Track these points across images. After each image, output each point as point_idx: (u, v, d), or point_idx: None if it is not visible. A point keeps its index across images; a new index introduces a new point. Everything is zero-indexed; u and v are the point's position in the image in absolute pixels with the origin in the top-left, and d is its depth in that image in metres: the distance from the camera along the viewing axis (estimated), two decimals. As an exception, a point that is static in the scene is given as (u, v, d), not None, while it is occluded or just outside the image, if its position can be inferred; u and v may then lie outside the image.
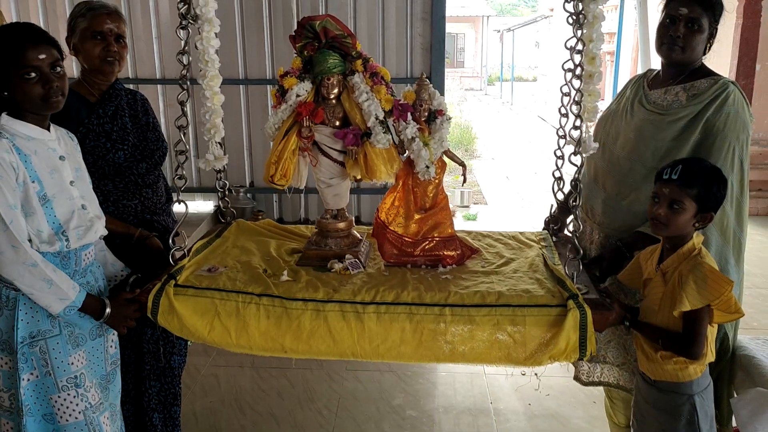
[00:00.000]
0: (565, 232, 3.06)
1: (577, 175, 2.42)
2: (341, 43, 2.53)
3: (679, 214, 2.20)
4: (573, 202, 2.42)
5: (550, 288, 2.35)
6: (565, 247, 2.75)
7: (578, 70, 2.42)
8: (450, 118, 2.59)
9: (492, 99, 28.21)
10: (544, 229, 3.07)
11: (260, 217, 3.15)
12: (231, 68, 6.31)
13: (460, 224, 7.23)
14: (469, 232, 2.97)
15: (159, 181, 2.86)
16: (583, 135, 2.42)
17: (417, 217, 2.59)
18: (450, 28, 22.99)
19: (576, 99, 2.42)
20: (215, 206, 3.03)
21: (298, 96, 2.55)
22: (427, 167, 2.51)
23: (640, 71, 10.67)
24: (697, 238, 2.26)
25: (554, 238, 2.89)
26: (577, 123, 2.42)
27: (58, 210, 2.09)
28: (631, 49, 11.66)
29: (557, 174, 2.80)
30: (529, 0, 52.13)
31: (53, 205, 2.07)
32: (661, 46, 2.69)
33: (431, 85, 2.60)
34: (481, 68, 33.45)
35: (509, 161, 13.42)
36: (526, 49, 35.01)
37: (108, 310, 2.21)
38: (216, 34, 2.56)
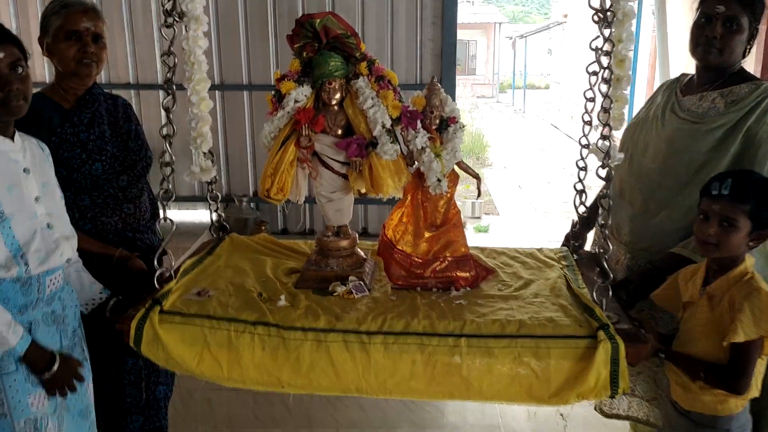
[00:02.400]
0: (587, 248, 2.82)
1: (605, 191, 2.17)
2: (344, 44, 2.30)
3: (732, 233, 1.96)
4: (601, 220, 2.16)
5: (577, 316, 2.10)
6: (588, 267, 2.51)
7: (605, 74, 2.17)
8: (463, 126, 2.35)
9: (504, 107, 27.93)
10: (563, 245, 2.82)
11: (264, 228, 2.92)
12: (235, 73, 6.14)
13: (471, 237, 6.98)
14: (482, 249, 2.72)
15: (142, 195, 2.62)
16: (607, 144, 2.18)
17: (427, 235, 2.36)
18: (461, 35, 22.82)
19: (604, 105, 2.17)
20: (212, 219, 2.79)
21: (296, 102, 2.32)
22: (439, 180, 2.27)
23: (658, 78, 10.47)
24: (749, 260, 2.01)
25: (575, 257, 2.64)
26: (605, 131, 2.17)
27: (18, 230, 1.84)
28: (649, 54, 11.38)
29: (579, 186, 2.56)
30: (542, 7, 51.97)
31: (11, 224, 1.82)
32: (696, 48, 2.45)
33: (443, 89, 2.36)
34: (492, 75, 33.21)
35: (522, 170, 13.15)
36: (539, 56, 34.78)
37: (55, 367, 1.91)
38: (204, 33, 2.33)
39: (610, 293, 2.14)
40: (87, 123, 2.42)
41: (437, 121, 2.33)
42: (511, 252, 2.71)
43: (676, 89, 2.59)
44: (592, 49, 2.29)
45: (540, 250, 2.71)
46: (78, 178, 2.36)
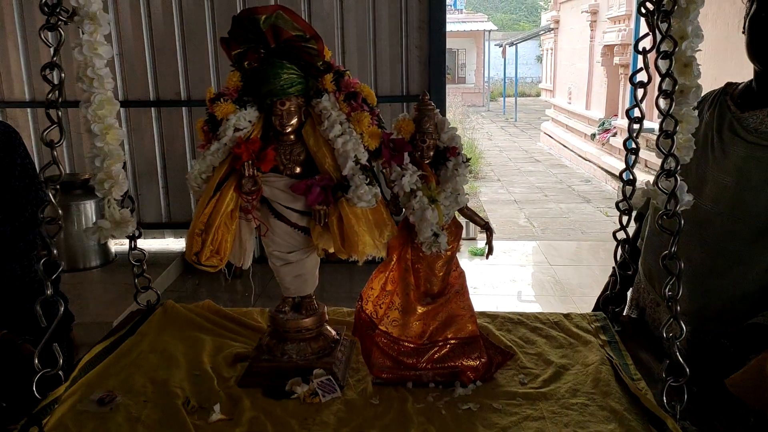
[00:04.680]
0: (625, 310, 2.19)
1: (673, 249, 1.52)
2: (300, 49, 1.66)
3: None
4: (668, 291, 1.52)
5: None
6: (637, 344, 1.88)
7: (665, 84, 1.54)
8: (468, 160, 1.71)
9: (495, 115, 27.38)
10: (596, 308, 2.19)
11: (238, 273, 2.25)
12: (172, 88, 5.56)
13: (467, 268, 6.34)
14: (492, 317, 2.08)
15: (32, 251, 1.97)
16: (671, 183, 1.54)
17: (420, 310, 1.71)
18: (450, 43, 22.31)
19: (665, 128, 1.53)
20: (136, 284, 2.12)
21: (237, 130, 1.69)
22: (435, 235, 1.63)
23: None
24: None
25: (615, 326, 2.00)
26: (668, 164, 1.53)
27: None
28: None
29: (621, 235, 1.93)
30: (530, 14, 51.70)
31: None
32: (759, 50, 1.82)
33: (437, 110, 1.72)
34: (482, 84, 32.70)
35: (517, 183, 12.55)
36: (529, 64, 34.36)
37: None
38: (105, 36, 1.68)
39: (686, 396, 1.49)
40: None
41: (431, 153, 1.69)
42: (530, 319, 2.06)
43: (727, 104, 1.95)
44: (639, 52, 1.66)
45: (568, 316, 2.07)
46: None
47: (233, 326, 2.04)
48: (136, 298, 2.11)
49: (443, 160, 1.69)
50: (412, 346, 1.71)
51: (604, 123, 13.77)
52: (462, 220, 1.76)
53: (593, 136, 13.98)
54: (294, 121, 1.69)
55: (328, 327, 1.84)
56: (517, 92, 27.66)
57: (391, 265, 1.73)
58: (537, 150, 17.43)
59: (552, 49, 22.49)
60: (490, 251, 1.77)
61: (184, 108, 5.66)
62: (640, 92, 1.70)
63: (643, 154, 10.59)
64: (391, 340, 1.71)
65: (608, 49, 13.91)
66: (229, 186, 1.67)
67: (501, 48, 29.85)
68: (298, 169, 1.71)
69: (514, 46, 27.65)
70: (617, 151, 12.09)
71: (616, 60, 13.12)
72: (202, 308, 2.13)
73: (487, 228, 1.77)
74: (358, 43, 5.34)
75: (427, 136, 1.68)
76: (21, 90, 5.55)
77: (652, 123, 9.83)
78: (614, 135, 12.88)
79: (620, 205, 1.90)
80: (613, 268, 2.09)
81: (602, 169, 12.42)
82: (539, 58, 33.72)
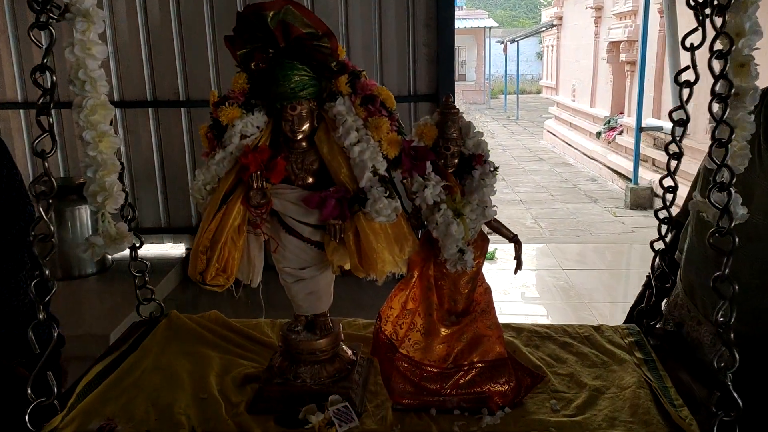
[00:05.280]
0: (659, 323, 2.05)
1: (725, 271, 1.38)
2: (312, 48, 1.53)
3: None
4: (720, 317, 1.38)
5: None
6: (675, 360, 1.74)
7: (718, 86, 1.40)
8: (496, 168, 1.57)
9: (496, 112, 27.23)
10: (628, 320, 2.06)
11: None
12: (170, 88, 5.41)
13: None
14: (518, 330, 1.94)
15: (20, 271, 1.83)
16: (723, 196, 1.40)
17: (444, 331, 1.58)
18: (452, 40, 22.10)
19: (718, 136, 1.39)
20: (138, 296, 1.99)
21: (243, 137, 1.55)
22: (461, 252, 1.50)
23: (668, 82, 9.73)
24: None
25: (651, 340, 1.86)
26: (721, 176, 1.39)
27: None
28: (655, 58, 10.65)
29: (659, 245, 1.79)
30: (530, 11, 51.54)
31: None
32: None
33: (462, 113, 1.59)
34: (483, 81, 32.55)
35: (522, 182, 12.41)
36: (529, 61, 34.20)
37: None
38: (100, 35, 1.54)
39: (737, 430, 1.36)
40: None
41: (456, 161, 1.56)
42: (557, 333, 1.93)
43: None
44: (687, 49, 1.52)
45: (599, 329, 1.93)
46: None
47: (242, 341, 1.91)
48: (138, 310, 1.98)
49: (469, 168, 1.56)
50: (435, 370, 1.58)
51: (609, 121, 13.62)
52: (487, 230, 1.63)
53: (599, 134, 13.83)
54: (306, 126, 1.56)
55: (344, 347, 1.71)
56: (519, 89, 27.48)
57: (412, 282, 1.59)
58: (540, 148, 17.29)
59: (553, 46, 22.34)
60: (519, 266, 1.63)
61: (182, 109, 5.48)
62: (685, 92, 1.56)
63: (650, 152, 10.46)
64: (413, 365, 1.58)
65: (614, 46, 13.76)
66: (235, 199, 1.54)
67: (503, 45, 29.71)
68: (310, 180, 1.58)
69: (516, 43, 27.49)
70: (623, 150, 11.95)
71: (623, 57, 12.96)
72: (209, 320, 2.00)
73: (515, 241, 1.64)
74: (363, 40, 5.18)
75: (451, 143, 1.55)
76: (13, 90, 5.39)
77: (660, 121, 9.68)
78: (620, 133, 12.73)
79: (659, 213, 1.77)
80: (648, 277, 1.96)
81: (608, 167, 12.28)
82: (539, 55, 33.58)
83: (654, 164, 10.48)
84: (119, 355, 1.82)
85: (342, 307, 1.85)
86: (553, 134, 17.63)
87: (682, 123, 1.65)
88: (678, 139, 1.67)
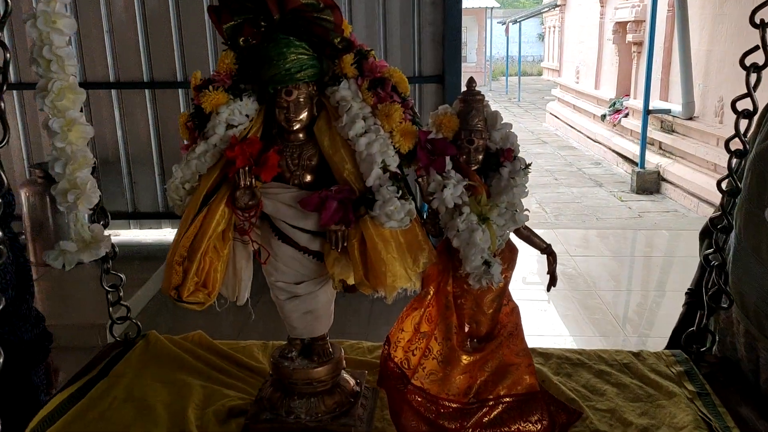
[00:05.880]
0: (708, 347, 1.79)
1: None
2: (312, 21, 1.28)
3: None
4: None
5: None
6: (731, 394, 1.50)
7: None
8: (528, 165, 1.33)
9: (497, 95, 26.90)
10: (671, 344, 1.81)
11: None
12: (168, 68, 5.18)
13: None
14: (546, 358, 1.69)
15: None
16: None
17: (465, 359, 1.34)
18: (453, 20, 21.75)
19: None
20: (111, 314, 1.74)
21: (230, 127, 1.30)
22: (487, 264, 1.25)
23: (677, 63, 9.45)
24: None
25: (702, 369, 1.61)
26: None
27: None
28: (663, 38, 10.34)
29: (713, 259, 1.54)
30: (532, -9, 51.01)
31: None
32: None
33: (488, 101, 1.34)
34: (484, 63, 32.17)
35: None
36: (530, 42, 33.82)
37: None
38: (68, 6, 1.29)
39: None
40: None
41: (480, 157, 1.31)
42: (593, 360, 1.67)
43: None
44: (756, 25, 1.27)
45: (639, 356, 1.68)
46: None
47: (228, 366, 1.65)
48: (110, 330, 1.73)
49: (496, 165, 1.31)
50: (454, 406, 1.34)
51: (615, 103, 13.31)
52: (516, 240, 1.39)
53: (603, 116, 13.52)
54: (303, 115, 1.31)
55: (346, 375, 1.47)
56: (520, 71, 27.11)
57: (428, 300, 1.35)
58: (543, 131, 16.99)
59: (555, 27, 21.96)
60: (553, 282, 1.39)
61: (180, 90, 5.26)
62: (753, 78, 1.31)
63: (656, 135, 10.20)
64: (428, 399, 1.34)
65: (620, 26, 13.41)
66: (219, 200, 1.29)
67: (504, 26, 29.27)
68: (308, 178, 1.33)
69: (518, 24, 27.08)
70: (629, 133, 11.67)
71: (629, 38, 12.63)
72: (192, 342, 1.75)
73: (548, 252, 1.39)
74: (366, 19, 4.94)
75: (476, 135, 1.30)
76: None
77: (668, 104, 9.41)
78: (626, 116, 12.44)
79: (716, 220, 1.51)
80: (689, 294, 1.71)
81: (613, 151, 12.00)
82: (541, 36, 33.17)
83: (661, 147, 10.22)
84: (86, 382, 1.58)
85: (344, 326, 1.60)
86: (555, 117, 17.32)
87: (748, 114, 1.39)
88: (743, 133, 1.41)
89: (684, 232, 7.37)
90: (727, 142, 1.45)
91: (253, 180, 1.27)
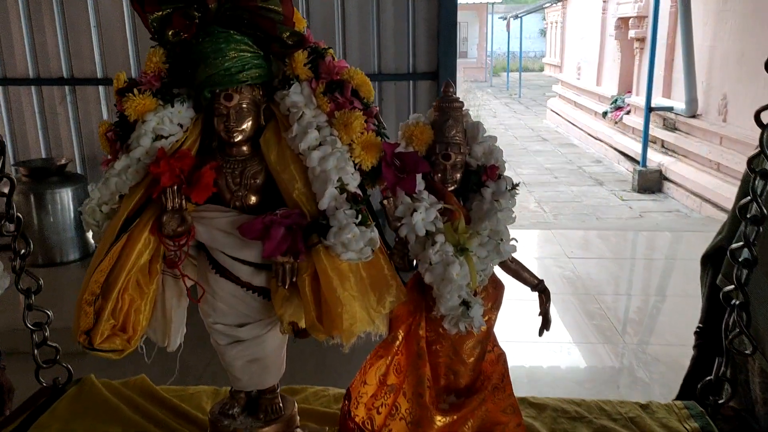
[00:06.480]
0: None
1: None
2: (256, 12, 1.05)
3: None
4: None
5: None
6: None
7: None
8: (516, 186, 1.10)
9: (498, 91, 26.65)
10: (682, 393, 1.57)
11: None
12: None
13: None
14: (540, 410, 1.45)
15: None
16: None
17: (440, 420, 1.12)
18: (453, 15, 21.63)
19: None
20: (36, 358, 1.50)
21: (158, 138, 1.08)
22: (465, 305, 1.03)
23: (680, 60, 9.22)
24: None
25: (719, 424, 1.39)
26: None
27: None
28: (666, 34, 10.11)
29: (734, 298, 1.31)
30: (534, -14, 50.78)
31: None
32: None
33: (466, 108, 1.12)
34: (485, 59, 31.91)
35: (524, 163, 11.92)
36: (531, 38, 33.57)
37: None
38: None
39: None
40: None
41: (458, 175, 1.09)
42: (593, 414, 1.44)
43: None
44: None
45: (647, 408, 1.45)
46: None
47: (167, 418, 1.42)
48: (37, 376, 1.49)
49: (477, 186, 1.09)
50: (427, 474, 1.12)
51: (616, 100, 13.08)
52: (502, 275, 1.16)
53: (605, 114, 13.30)
54: (247, 124, 1.09)
55: (300, 432, 1.24)
56: (521, 66, 26.87)
57: (396, 347, 1.13)
58: (544, 128, 16.75)
59: (557, 23, 21.72)
60: (546, 324, 1.17)
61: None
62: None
63: (659, 133, 9.97)
64: (395, 466, 1.12)
65: (623, 22, 13.19)
66: (142, 225, 1.07)
67: (506, 21, 29.00)
68: (253, 199, 1.11)
69: (519, 19, 26.83)
70: (631, 130, 11.44)
71: (632, 33, 12.41)
72: (133, 387, 1.51)
73: (540, 289, 1.17)
74: (359, 14, 4.74)
75: (453, 149, 1.08)
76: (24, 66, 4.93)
77: (670, 101, 9.20)
78: (628, 113, 12.21)
79: (737, 252, 1.27)
80: (698, 333, 1.48)
81: (614, 149, 11.77)
82: (542, 32, 32.91)
83: (663, 146, 10.01)
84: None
85: (304, 370, 1.37)
86: (556, 113, 17.08)
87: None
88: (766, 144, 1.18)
89: (686, 234, 7.17)
90: (750, 161, 1.21)
91: (184, 202, 1.05)
